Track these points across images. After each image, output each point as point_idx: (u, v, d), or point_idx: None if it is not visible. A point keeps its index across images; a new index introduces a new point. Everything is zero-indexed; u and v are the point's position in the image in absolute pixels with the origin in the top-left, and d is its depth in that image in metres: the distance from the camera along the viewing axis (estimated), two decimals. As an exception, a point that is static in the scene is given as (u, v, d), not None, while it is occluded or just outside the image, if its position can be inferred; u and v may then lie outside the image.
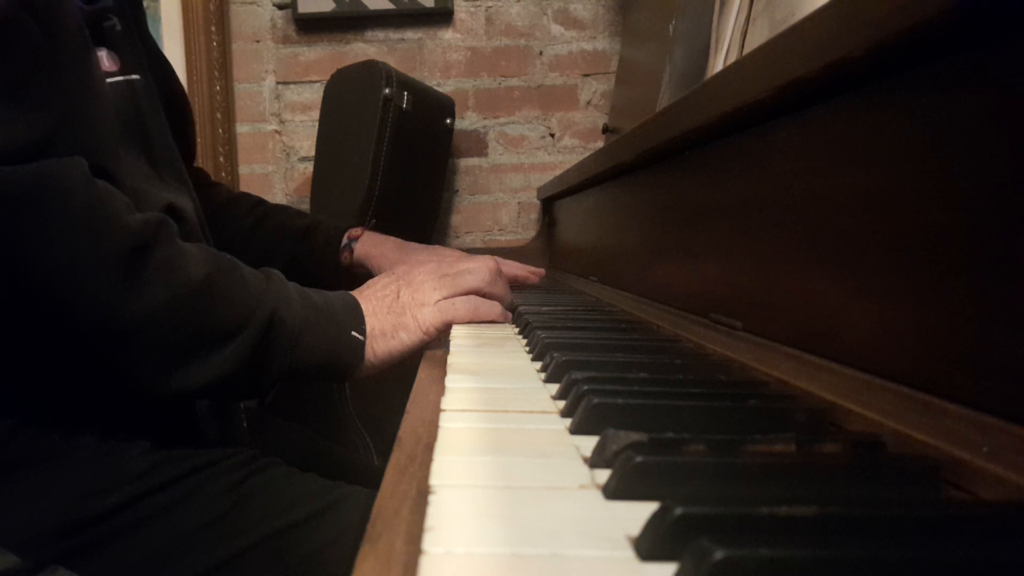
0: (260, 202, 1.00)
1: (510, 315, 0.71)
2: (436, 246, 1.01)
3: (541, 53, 1.72)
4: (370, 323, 0.63)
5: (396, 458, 0.33)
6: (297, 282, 0.64)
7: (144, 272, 0.52)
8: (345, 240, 0.94)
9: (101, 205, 0.52)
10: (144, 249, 0.53)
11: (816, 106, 0.43)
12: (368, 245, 0.94)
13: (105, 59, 0.64)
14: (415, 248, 0.95)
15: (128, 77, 0.66)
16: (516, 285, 0.98)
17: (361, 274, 0.91)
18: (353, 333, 0.62)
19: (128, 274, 0.52)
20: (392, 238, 0.96)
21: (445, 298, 0.66)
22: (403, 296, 0.65)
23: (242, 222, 0.94)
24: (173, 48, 1.65)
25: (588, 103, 1.73)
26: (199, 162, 1.64)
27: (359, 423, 1.27)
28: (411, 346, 0.64)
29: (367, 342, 0.62)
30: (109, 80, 0.63)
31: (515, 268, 0.94)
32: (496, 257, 0.89)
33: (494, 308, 0.68)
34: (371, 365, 0.63)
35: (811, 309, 0.43)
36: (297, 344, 0.59)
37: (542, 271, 1.01)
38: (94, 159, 0.54)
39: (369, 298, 0.65)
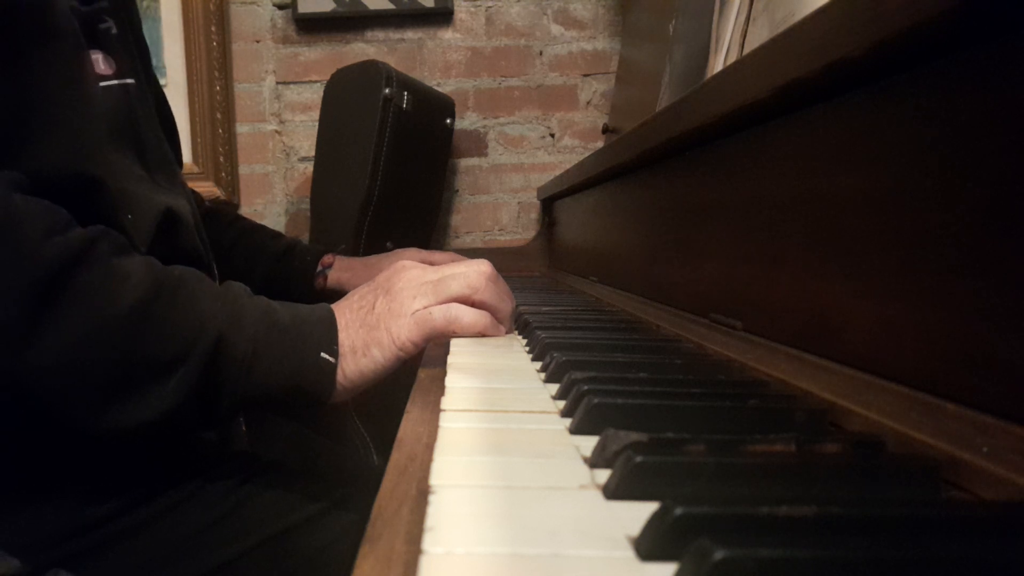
0: (237, 218, 1.01)
1: (503, 329, 0.61)
2: (418, 249, 1.02)
3: (541, 53, 1.72)
4: (342, 339, 0.55)
5: (396, 458, 0.33)
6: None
7: (58, 304, 0.47)
8: (319, 268, 0.96)
9: (12, 228, 0.46)
10: (60, 277, 0.47)
11: (816, 106, 0.43)
12: (339, 270, 0.95)
13: (101, 62, 0.63)
14: (390, 255, 0.96)
15: (123, 81, 0.64)
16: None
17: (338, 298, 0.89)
18: (323, 355, 0.54)
19: (37, 308, 0.46)
20: (362, 258, 0.97)
21: (426, 307, 0.57)
22: (379, 307, 0.57)
23: (221, 237, 0.93)
24: (173, 48, 1.65)
25: (588, 103, 1.73)
26: (199, 163, 1.65)
27: (359, 423, 1.27)
28: (385, 365, 0.56)
29: (339, 363, 0.55)
30: (104, 84, 0.61)
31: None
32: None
33: (480, 319, 0.58)
34: (343, 389, 0.56)
35: (811, 309, 0.43)
36: (252, 370, 0.52)
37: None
38: (75, 163, 0.53)
39: (345, 311, 0.58)
